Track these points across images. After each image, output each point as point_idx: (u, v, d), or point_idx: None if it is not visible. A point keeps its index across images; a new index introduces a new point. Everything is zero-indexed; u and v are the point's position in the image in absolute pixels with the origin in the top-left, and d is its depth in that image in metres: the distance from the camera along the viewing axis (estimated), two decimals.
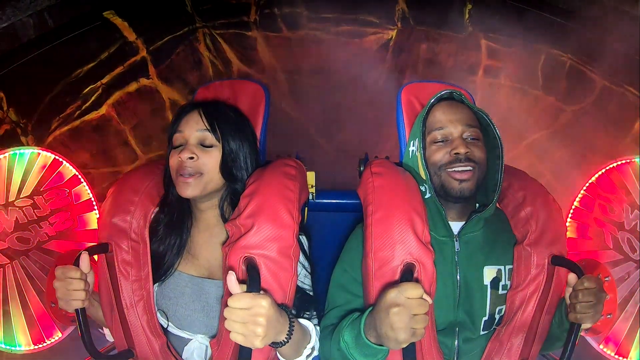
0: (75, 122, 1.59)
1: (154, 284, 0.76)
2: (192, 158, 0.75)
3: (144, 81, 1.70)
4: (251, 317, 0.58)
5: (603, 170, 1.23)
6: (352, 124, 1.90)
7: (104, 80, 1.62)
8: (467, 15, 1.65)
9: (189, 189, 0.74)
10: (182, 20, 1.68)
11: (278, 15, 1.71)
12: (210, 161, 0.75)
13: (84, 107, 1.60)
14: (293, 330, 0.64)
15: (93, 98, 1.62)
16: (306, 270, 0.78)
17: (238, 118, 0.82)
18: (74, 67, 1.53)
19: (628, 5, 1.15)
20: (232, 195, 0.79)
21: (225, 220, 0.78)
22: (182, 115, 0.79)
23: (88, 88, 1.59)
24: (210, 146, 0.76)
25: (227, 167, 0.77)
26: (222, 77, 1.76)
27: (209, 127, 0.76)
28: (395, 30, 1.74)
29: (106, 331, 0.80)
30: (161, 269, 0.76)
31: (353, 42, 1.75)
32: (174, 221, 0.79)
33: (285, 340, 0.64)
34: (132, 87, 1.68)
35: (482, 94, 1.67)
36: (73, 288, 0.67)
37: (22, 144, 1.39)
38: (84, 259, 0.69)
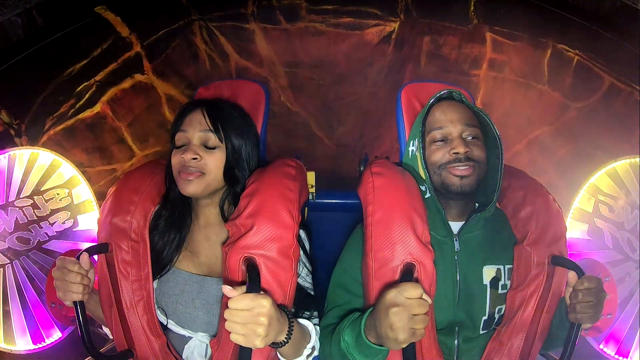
0: (70, 121, 1.56)
1: (152, 280, 0.76)
2: (195, 159, 0.74)
3: (138, 77, 1.66)
4: (253, 318, 0.58)
5: (603, 170, 1.22)
6: (353, 118, 1.88)
7: (98, 78, 1.58)
8: (472, 7, 1.59)
9: (190, 187, 0.74)
10: (177, 13, 1.63)
11: (276, 6, 1.66)
12: (214, 162, 0.75)
13: (78, 106, 1.57)
14: (292, 330, 0.64)
15: (87, 96, 1.58)
16: (307, 269, 0.78)
17: (241, 117, 0.81)
18: (66, 65, 1.49)
19: None
20: (233, 194, 0.78)
21: (225, 218, 0.78)
22: (185, 114, 0.78)
23: (81, 86, 1.56)
24: (214, 147, 0.76)
25: (230, 168, 0.77)
26: (220, 71, 1.73)
27: (212, 128, 0.75)
28: (398, 23, 1.69)
29: (106, 330, 0.81)
30: (160, 265, 0.76)
31: (354, 34, 1.70)
32: (174, 218, 0.79)
33: (285, 340, 0.64)
34: (127, 83, 1.65)
35: (485, 88, 1.64)
36: (70, 280, 0.68)
37: (15, 146, 1.37)
38: (84, 257, 0.70)
